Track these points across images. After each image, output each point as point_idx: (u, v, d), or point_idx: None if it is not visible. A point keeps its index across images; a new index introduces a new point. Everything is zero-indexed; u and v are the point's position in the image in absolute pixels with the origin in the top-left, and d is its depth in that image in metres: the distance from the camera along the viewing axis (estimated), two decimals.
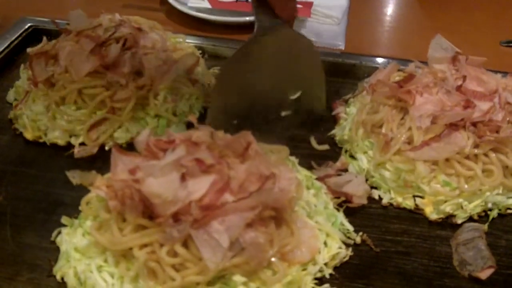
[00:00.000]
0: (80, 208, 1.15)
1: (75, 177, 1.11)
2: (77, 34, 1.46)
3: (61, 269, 1.10)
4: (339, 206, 1.24)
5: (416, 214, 1.26)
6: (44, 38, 1.55)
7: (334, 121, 1.49)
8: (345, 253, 1.15)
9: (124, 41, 1.47)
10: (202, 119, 1.40)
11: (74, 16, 1.50)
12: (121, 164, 1.07)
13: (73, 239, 1.12)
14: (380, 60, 1.66)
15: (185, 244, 1.01)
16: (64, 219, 1.17)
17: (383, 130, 1.31)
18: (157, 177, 1.00)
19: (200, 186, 1.00)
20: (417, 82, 1.31)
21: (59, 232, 1.17)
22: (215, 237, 0.99)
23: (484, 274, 1.13)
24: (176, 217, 1.00)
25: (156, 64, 1.46)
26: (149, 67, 1.44)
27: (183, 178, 1.01)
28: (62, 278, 1.10)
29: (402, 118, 1.31)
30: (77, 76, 1.38)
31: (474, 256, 1.14)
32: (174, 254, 1.01)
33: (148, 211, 1.02)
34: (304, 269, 1.08)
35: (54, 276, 1.11)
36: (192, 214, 0.98)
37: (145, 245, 1.03)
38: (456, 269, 1.15)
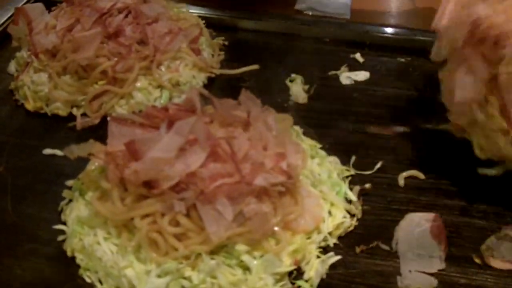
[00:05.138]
0: (79, 177, 1.14)
1: (73, 152, 1.09)
2: (79, 4, 1.44)
3: (71, 245, 1.08)
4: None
5: (423, 184, 1.23)
6: None
7: None
8: (350, 223, 1.14)
9: (128, 11, 1.45)
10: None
11: None
12: (119, 135, 1.06)
13: (76, 212, 1.11)
14: (387, 29, 1.64)
15: (187, 214, 0.99)
16: (66, 193, 1.16)
17: None
18: (149, 161, 0.99)
19: (197, 157, 0.99)
20: None
21: (62, 209, 1.16)
22: (220, 210, 0.98)
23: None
24: (179, 187, 0.98)
25: (159, 34, 1.45)
26: (152, 37, 1.43)
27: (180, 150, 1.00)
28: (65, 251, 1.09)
29: None
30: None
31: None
32: (176, 224, 1.00)
33: (150, 181, 1.01)
34: (308, 238, 1.07)
35: (54, 246, 1.10)
36: (197, 184, 0.97)
37: (146, 215, 1.01)
38: None
